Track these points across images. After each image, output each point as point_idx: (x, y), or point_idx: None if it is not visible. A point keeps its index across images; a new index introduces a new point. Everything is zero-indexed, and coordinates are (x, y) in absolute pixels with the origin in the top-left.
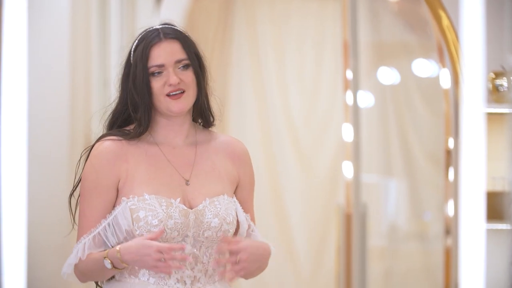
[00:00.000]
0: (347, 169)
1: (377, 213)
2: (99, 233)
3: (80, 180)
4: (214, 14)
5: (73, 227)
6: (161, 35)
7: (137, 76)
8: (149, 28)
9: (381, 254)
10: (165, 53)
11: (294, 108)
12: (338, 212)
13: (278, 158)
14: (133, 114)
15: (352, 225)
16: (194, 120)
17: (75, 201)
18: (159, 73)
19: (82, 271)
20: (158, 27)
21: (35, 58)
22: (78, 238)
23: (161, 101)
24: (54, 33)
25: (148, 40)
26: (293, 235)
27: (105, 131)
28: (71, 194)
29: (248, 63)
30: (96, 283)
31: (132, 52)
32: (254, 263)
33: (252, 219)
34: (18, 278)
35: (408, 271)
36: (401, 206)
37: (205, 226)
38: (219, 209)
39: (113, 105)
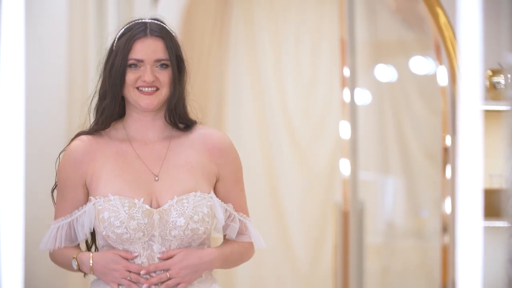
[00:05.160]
0: (344, 167)
1: (374, 210)
2: (71, 222)
3: None
4: (211, 10)
5: None
6: (147, 31)
7: (115, 64)
8: (137, 20)
9: (378, 251)
10: (147, 50)
11: (291, 106)
12: (335, 209)
13: (275, 155)
14: (100, 102)
15: (349, 222)
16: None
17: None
18: (136, 66)
19: (55, 261)
20: (146, 21)
21: (32, 53)
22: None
23: (131, 92)
24: (50, 38)
25: (133, 33)
26: (291, 232)
27: (93, 118)
28: (53, 190)
29: (245, 60)
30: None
31: (116, 40)
32: (190, 275)
33: (245, 211)
34: (15, 274)
35: (405, 268)
36: (398, 204)
37: (171, 225)
38: (186, 208)
39: (98, 88)
